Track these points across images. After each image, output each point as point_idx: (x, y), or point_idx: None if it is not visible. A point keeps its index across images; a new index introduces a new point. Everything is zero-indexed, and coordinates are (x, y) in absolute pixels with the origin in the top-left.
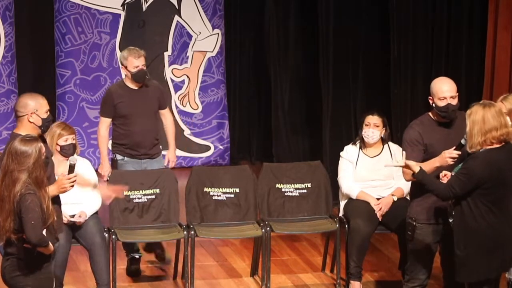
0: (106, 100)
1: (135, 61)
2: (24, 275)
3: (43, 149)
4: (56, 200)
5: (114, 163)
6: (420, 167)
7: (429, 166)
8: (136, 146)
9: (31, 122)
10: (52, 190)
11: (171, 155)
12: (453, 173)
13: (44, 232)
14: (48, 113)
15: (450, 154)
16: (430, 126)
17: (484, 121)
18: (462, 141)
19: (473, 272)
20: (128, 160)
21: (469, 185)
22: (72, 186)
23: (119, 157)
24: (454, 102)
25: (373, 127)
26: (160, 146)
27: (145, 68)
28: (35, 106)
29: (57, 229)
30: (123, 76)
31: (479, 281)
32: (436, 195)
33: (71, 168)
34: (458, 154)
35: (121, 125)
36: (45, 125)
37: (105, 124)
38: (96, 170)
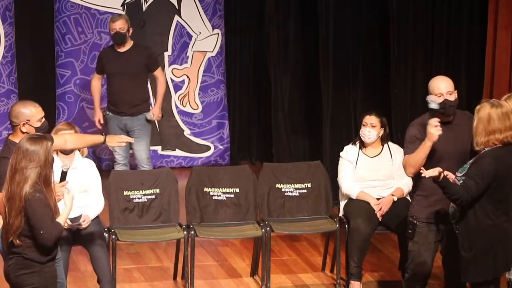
0: (98, 59)
1: (112, 24)
2: (29, 274)
3: (52, 148)
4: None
5: (104, 117)
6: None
7: (421, 148)
8: (115, 103)
9: (23, 132)
10: None
11: (156, 110)
12: (458, 174)
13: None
14: (43, 120)
15: (433, 123)
16: None
17: (489, 122)
18: (432, 106)
19: (481, 272)
20: (111, 116)
21: (484, 185)
22: (62, 197)
23: (106, 111)
24: (452, 97)
25: (369, 127)
26: (149, 107)
27: (123, 31)
28: (27, 116)
29: None
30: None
31: (486, 280)
32: (456, 200)
33: (63, 175)
34: (439, 121)
35: (107, 83)
36: (41, 132)
37: (95, 78)
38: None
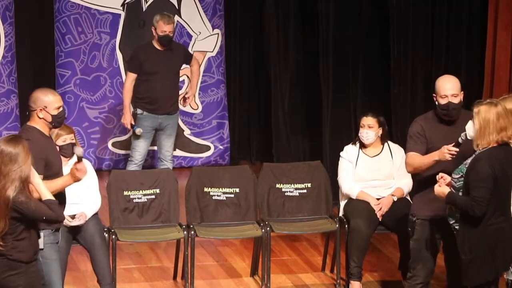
0: (133, 58)
1: (164, 26)
2: (15, 275)
3: (28, 148)
4: (61, 199)
5: (134, 117)
6: (450, 191)
7: (428, 159)
8: (155, 101)
9: (40, 118)
10: (67, 180)
11: (190, 93)
12: (454, 176)
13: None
14: (60, 109)
15: (449, 151)
16: (433, 123)
17: (499, 119)
18: (460, 140)
19: (481, 274)
20: (146, 115)
21: (490, 187)
22: (85, 172)
23: (139, 111)
24: (456, 100)
25: (367, 128)
26: (179, 106)
27: (171, 34)
28: (44, 103)
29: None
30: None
31: (487, 282)
32: (468, 211)
33: (80, 159)
34: (457, 151)
35: (144, 81)
36: (56, 121)
37: (130, 78)
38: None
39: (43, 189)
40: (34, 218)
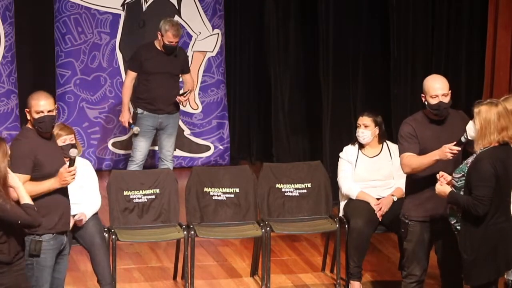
0: (134, 57)
1: (172, 38)
2: None
3: (8, 150)
4: (65, 200)
5: (134, 116)
6: (451, 190)
7: (428, 159)
8: (154, 101)
9: (28, 119)
10: (53, 183)
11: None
12: (455, 175)
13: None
14: (42, 114)
15: (451, 150)
16: (422, 123)
17: (499, 119)
18: (462, 139)
19: (484, 274)
20: (146, 114)
21: (492, 186)
22: (74, 178)
23: (139, 110)
24: (446, 100)
25: (363, 128)
26: (180, 106)
27: (176, 44)
28: (29, 105)
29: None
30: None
31: (489, 282)
32: (471, 210)
33: (72, 161)
34: (458, 150)
35: (144, 81)
36: (38, 126)
37: (130, 77)
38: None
39: (22, 192)
40: (9, 221)
